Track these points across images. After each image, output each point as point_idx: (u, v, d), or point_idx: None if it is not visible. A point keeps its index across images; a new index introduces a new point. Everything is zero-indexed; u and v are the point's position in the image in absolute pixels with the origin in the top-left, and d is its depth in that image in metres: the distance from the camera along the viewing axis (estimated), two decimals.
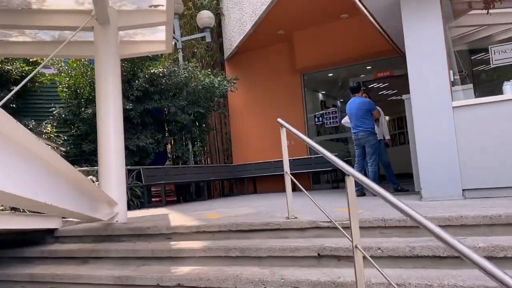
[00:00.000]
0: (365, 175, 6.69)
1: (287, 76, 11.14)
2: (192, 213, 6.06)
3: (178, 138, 10.43)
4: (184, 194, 10.51)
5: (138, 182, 9.06)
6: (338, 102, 12.00)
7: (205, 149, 11.18)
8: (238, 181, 11.33)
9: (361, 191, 6.58)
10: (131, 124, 9.54)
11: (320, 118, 10.92)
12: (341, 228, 3.12)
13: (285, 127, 4.39)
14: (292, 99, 11.08)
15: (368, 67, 10.79)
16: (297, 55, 10.68)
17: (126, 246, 4.63)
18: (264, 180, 11.30)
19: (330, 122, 10.74)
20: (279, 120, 4.44)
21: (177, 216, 5.78)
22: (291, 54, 10.95)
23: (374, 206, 4.69)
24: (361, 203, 5.12)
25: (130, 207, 8.69)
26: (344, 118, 7.28)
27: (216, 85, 10.32)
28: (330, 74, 11.33)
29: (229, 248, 3.84)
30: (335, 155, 3.10)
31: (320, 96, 12.17)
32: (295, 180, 4.29)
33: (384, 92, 13.82)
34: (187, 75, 9.91)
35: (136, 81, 9.28)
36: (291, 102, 11.07)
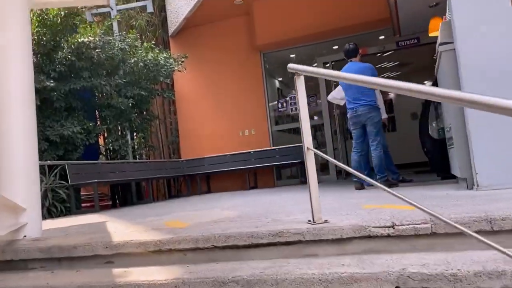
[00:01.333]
0: (366, 162, 5.29)
1: (245, 55, 9.56)
2: (141, 220, 4.28)
3: (114, 127, 8.49)
4: (123, 196, 8.57)
5: (63, 182, 7.04)
6: (282, 95, 10.51)
7: (148, 141, 9.30)
8: (189, 179, 9.55)
9: (360, 183, 5.17)
10: (53, 109, 7.48)
11: (285, 104, 9.46)
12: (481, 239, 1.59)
13: (300, 72, 2.80)
14: (251, 82, 9.52)
15: (334, 47, 9.50)
16: (257, 29, 9.14)
17: (37, 279, 2.81)
18: (220, 177, 9.62)
19: (295, 109, 9.30)
20: (291, 65, 2.83)
21: (120, 226, 3.99)
22: (250, 29, 9.38)
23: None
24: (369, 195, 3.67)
25: (52, 214, 6.67)
26: (333, 93, 5.85)
27: (162, 62, 8.50)
28: (292, 55, 9.91)
29: (221, 280, 2.19)
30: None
31: (277, 83, 10.69)
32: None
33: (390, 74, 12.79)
34: (125, 47, 8.01)
35: (60, 52, 7.24)
36: (250, 86, 9.51)
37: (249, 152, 9.37)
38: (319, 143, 9.63)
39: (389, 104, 16.79)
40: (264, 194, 6.82)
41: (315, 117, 9.65)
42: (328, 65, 9.04)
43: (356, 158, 5.22)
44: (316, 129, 9.50)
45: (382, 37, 8.99)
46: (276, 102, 9.66)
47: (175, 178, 9.81)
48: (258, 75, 9.50)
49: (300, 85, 2.77)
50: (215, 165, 9.61)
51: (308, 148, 2.71)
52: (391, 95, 14.67)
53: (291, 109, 9.35)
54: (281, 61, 10.09)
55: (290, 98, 9.35)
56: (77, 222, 4.99)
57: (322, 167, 10.01)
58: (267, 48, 9.39)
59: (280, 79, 10.39)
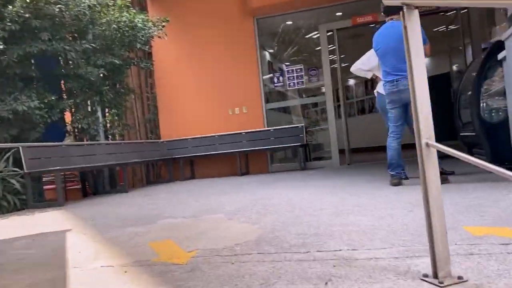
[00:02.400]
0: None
1: (236, 20, 8.26)
2: (117, 234, 3.08)
3: (82, 102, 7.14)
4: (94, 182, 7.29)
5: (17, 170, 5.75)
6: (284, 65, 9.32)
7: (122, 119, 7.97)
8: (171, 163, 8.31)
9: (399, 178, 4.11)
10: (4, 78, 6.09)
11: (281, 79, 8.26)
12: None
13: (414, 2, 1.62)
14: (242, 53, 8.25)
15: (338, 13, 8.31)
16: None
17: None
18: (206, 161, 8.43)
19: (294, 84, 8.13)
20: None
21: (85, 248, 2.78)
22: None
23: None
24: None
25: (2, 210, 5.39)
26: (359, 62, 4.69)
27: (139, 25, 7.12)
28: (288, 22, 8.67)
29: None
30: None
31: (267, 55, 9.42)
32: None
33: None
34: (95, 4, 6.60)
35: (10, 7, 5.79)
36: (242, 57, 8.25)
37: (240, 133, 8.19)
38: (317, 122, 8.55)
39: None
40: (265, 184, 5.70)
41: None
42: (331, 33, 7.86)
43: (394, 145, 4.14)
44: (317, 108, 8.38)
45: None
46: (271, 75, 8.44)
47: (154, 162, 8.56)
48: (251, 44, 8.24)
49: (414, 25, 1.61)
50: (200, 148, 8.39)
51: (428, 144, 1.57)
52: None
53: (289, 84, 8.16)
54: (275, 29, 8.85)
55: (288, 71, 8.15)
56: (25, 229, 3.75)
57: (317, 148, 8.96)
58: (262, 12, 8.10)
59: (271, 50, 9.13)
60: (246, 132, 8.18)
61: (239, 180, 7.09)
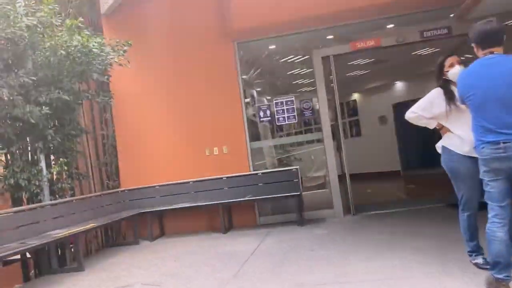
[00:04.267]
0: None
1: (214, 44, 6.91)
2: None
3: (19, 150, 5.47)
4: (37, 261, 5.55)
5: None
6: (265, 99, 8.05)
7: (73, 168, 6.29)
8: (136, 219, 6.68)
9: (507, 283, 2.87)
10: None
11: (268, 113, 6.94)
12: None
13: None
14: (221, 81, 6.90)
15: (329, 36, 7.20)
16: (233, 8, 6.55)
17: None
18: (180, 214, 6.89)
19: (284, 118, 6.85)
20: None
21: None
22: (222, 8, 6.75)
23: None
24: None
25: None
26: (420, 106, 3.46)
27: (95, 50, 5.59)
28: (271, 46, 7.44)
29: None
30: None
31: (251, 85, 8.12)
32: None
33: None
34: (35, 24, 5.02)
35: None
36: (220, 87, 6.89)
37: (221, 178, 6.78)
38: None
39: (353, 106, 15.17)
40: (268, 258, 4.30)
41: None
42: (329, 59, 6.70)
43: (501, 236, 2.84)
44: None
45: (402, 26, 6.78)
46: (257, 108, 7.10)
47: (115, 220, 6.88)
48: (231, 72, 6.90)
49: None
50: (172, 198, 6.87)
51: None
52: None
53: (278, 118, 6.86)
54: (260, 55, 7.58)
55: (277, 103, 6.86)
56: None
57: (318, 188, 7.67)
58: (244, 35, 6.80)
59: (256, 80, 7.84)
60: (227, 177, 6.77)
61: (223, 239, 5.66)
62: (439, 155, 3.61)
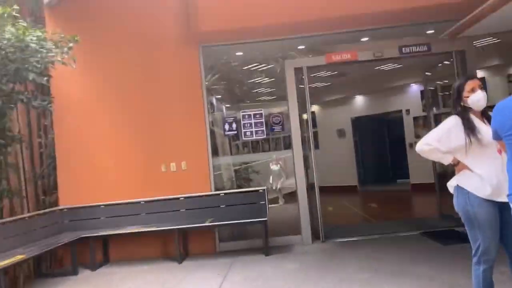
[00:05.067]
0: None
1: (175, 46, 6.14)
2: None
3: None
4: None
5: None
6: (230, 110, 7.36)
7: (2, 184, 5.25)
8: (75, 244, 5.72)
9: None
10: None
11: (234, 126, 6.25)
12: None
13: None
14: (182, 88, 6.15)
15: (300, 47, 6.67)
16: (200, 8, 5.83)
17: None
18: (127, 239, 6.01)
19: (252, 133, 6.19)
20: None
21: None
22: (185, 4, 6.00)
23: None
24: None
25: None
26: (434, 137, 2.89)
27: (33, 46, 4.65)
28: (238, 53, 6.79)
29: None
30: None
31: (216, 94, 7.40)
32: None
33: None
34: None
35: None
36: (181, 95, 6.14)
37: (178, 198, 6.00)
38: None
39: (312, 118, 14.79)
40: None
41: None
42: (302, 72, 6.13)
43: None
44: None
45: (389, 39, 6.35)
46: (220, 120, 6.40)
47: (50, 245, 5.88)
48: (194, 79, 6.16)
49: None
50: (119, 220, 6.00)
51: None
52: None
53: (245, 133, 6.20)
54: (222, 60, 6.89)
55: (244, 116, 6.20)
56: None
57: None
58: (211, 39, 6.09)
59: (222, 89, 7.13)
60: (185, 198, 6.01)
61: (176, 277, 4.90)
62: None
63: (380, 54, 6.05)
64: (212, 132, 6.60)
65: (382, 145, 15.63)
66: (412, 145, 11.96)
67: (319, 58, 6.17)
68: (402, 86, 12.07)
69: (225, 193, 6.06)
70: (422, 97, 11.79)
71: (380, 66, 11.33)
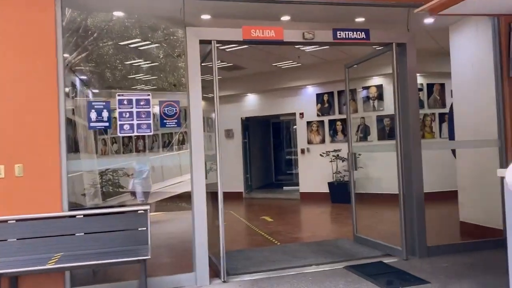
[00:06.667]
0: None
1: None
2: None
3: None
4: None
5: None
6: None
7: None
8: None
9: None
10: None
11: (105, 114, 4.23)
12: None
13: None
14: (24, 57, 3.97)
15: (204, 16, 5.00)
16: None
17: None
18: None
19: (132, 127, 4.25)
20: None
21: None
22: None
23: None
24: None
25: None
26: None
27: None
28: (118, 13, 4.80)
29: None
30: None
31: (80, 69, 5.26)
32: None
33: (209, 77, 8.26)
34: None
35: None
36: (21, 66, 3.95)
37: (5, 221, 3.81)
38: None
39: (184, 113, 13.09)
40: None
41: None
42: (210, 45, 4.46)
43: None
44: None
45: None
46: (82, 106, 4.33)
47: None
48: (46, 43, 4.02)
49: None
50: None
51: None
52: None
53: (122, 126, 4.24)
54: (95, 23, 4.83)
55: (122, 101, 4.24)
56: None
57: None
58: None
59: (89, 64, 5.01)
60: (17, 220, 3.84)
61: None
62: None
63: (311, 36, 4.67)
64: (73, 124, 4.59)
65: (273, 149, 14.70)
66: (304, 151, 11.09)
67: (234, 31, 4.53)
68: (298, 88, 11.16)
69: (85, 215, 4.04)
70: (318, 101, 11.02)
71: (282, 63, 10.23)
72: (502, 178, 3.34)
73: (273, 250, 5.67)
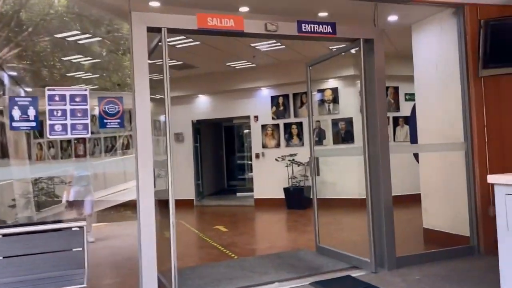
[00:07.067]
0: None
1: None
2: None
3: None
4: None
5: None
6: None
7: None
8: None
9: None
10: None
11: (32, 113, 3.53)
12: None
13: None
14: None
15: (152, 2, 4.42)
16: None
17: None
18: None
19: (65, 128, 3.58)
20: None
21: None
22: None
23: None
24: None
25: None
26: None
27: None
28: None
29: None
30: None
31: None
32: None
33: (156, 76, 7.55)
34: None
35: None
36: None
37: None
38: None
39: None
40: None
41: None
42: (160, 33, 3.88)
43: None
44: None
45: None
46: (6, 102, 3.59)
47: None
48: None
49: None
50: None
51: None
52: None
53: (53, 127, 3.55)
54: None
55: (52, 97, 3.55)
56: None
57: None
58: None
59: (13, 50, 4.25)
60: None
61: None
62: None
63: (274, 27, 4.21)
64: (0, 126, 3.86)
65: (225, 153, 14.13)
66: (259, 156, 10.66)
67: (188, 18, 3.97)
68: (253, 90, 10.72)
69: (4, 234, 3.31)
70: (273, 104, 10.64)
71: (235, 63, 9.76)
72: (492, 185, 3.04)
73: (230, 265, 5.13)
